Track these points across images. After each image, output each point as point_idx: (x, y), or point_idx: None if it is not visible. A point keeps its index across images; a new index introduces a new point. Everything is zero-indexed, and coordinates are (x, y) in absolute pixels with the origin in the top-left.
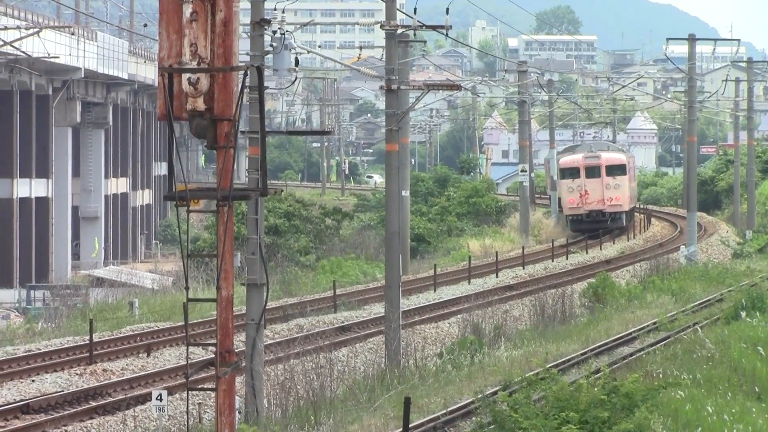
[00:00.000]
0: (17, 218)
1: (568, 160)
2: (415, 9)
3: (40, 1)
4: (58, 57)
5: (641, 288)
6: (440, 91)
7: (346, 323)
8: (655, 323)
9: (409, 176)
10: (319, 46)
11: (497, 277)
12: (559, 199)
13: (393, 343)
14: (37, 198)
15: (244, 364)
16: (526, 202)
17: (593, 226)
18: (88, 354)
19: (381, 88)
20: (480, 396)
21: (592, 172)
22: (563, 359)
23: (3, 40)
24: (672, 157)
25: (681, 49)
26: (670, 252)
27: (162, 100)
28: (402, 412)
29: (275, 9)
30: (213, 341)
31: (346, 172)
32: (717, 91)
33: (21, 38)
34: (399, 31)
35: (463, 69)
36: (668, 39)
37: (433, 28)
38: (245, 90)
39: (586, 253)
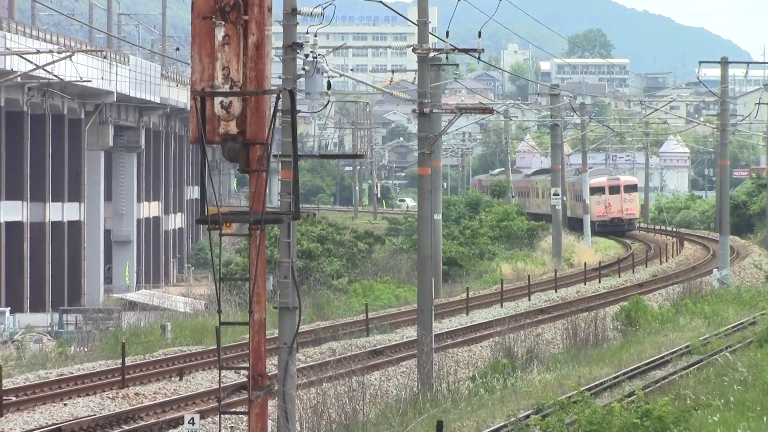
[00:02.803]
0: (50, 242)
1: (596, 181)
2: (447, 32)
3: (73, 25)
4: (90, 81)
5: (674, 311)
6: (472, 115)
7: (378, 347)
8: (687, 347)
9: (441, 200)
10: (352, 70)
11: (529, 300)
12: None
13: (425, 366)
14: (69, 222)
15: (276, 388)
16: (558, 225)
17: (614, 229)
18: (120, 378)
19: (413, 111)
20: (513, 419)
21: (614, 189)
22: (596, 383)
23: (36, 64)
24: (705, 180)
25: (713, 73)
26: (702, 275)
27: (194, 124)
28: None
29: (307, 32)
30: (245, 365)
31: (379, 195)
32: (750, 115)
33: (53, 62)
34: (431, 54)
35: (496, 92)
36: (701, 62)
37: (466, 51)
38: (278, 113)
39: (619, 276)
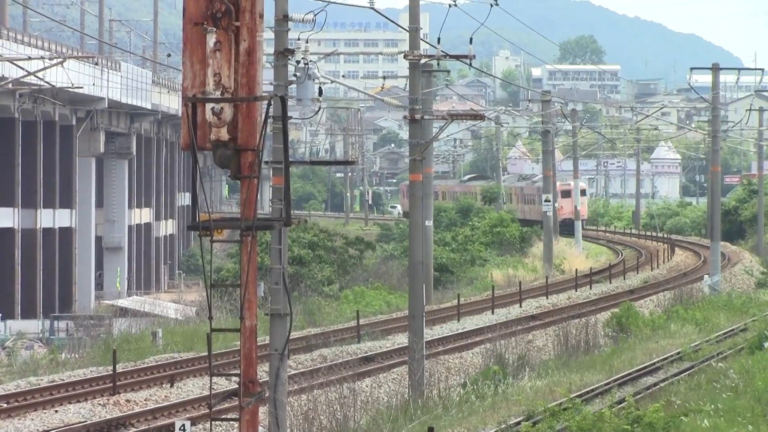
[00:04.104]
0: (41, 248)
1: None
2: (438, 39)
3: (64, 32)
4: (81, 87)
5: (665, 318)
6: (464, 121)
7: (369, 353)
8: (679, 353)
9: (432, 206)
10: (343, 76)
11: (521, 306)
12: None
13: (417, 373)
14: (60, 228)
15: (267, 395)
16: (549, 232)
17: (565, 228)
18: (111, 384)
19: (404, 117)
20: (504, 426)
21: (566, 194)
22: (587, 389)
23: (27, 71)
24: (696, 186)
25: (705, 79)
26: (693, 281)
27: (186, 130)
28: None
29: (299, 39)
30: (236, 371)
31: (370, 202)
32: (741, 121)
33: (45, 68)
34: (422, 60)
35: (487, 99)
36: (692, 68)
37: (457, 57)
38: (269, 120)
39: (610, 282)
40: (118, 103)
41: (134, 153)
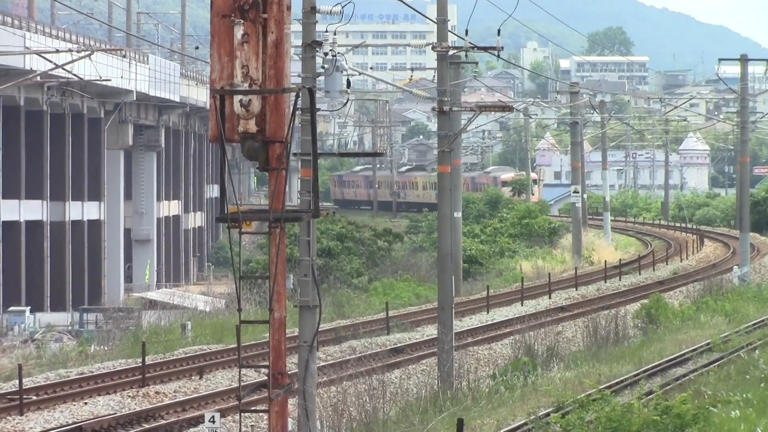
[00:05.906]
0: (70, 241)
1: (506, 176)
2: (466, 30)
3: (92, 24)
4: (110, 80)
5: (694, 309)
6: (492, 113)
7: (398, 345)
8: (708, 344)
9: (461, 198)
10: (371, 68)
11: (550, 298)
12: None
13: (446, 364)
14: (89, 221)
15: (296, 387)
16: (578, 223)
17: None
18: (140, 376)
19: (433, 109)
20: (533, 417)
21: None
22: (616, 380)
23: (55, 63)
24: (724, 177)
25: (733, 70)
26: (723, 273)
27: (214, 122)
28: None
29: (326, 31)
30: (266, 363)
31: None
32: None
33: (73, 61)
34: (451, 52)
35: (515, 90)
36: (720, 59)
37: (485, 49)
38: (297, 112)
39: (639, 274)
40: (146, 96)
41: (162, 145)
